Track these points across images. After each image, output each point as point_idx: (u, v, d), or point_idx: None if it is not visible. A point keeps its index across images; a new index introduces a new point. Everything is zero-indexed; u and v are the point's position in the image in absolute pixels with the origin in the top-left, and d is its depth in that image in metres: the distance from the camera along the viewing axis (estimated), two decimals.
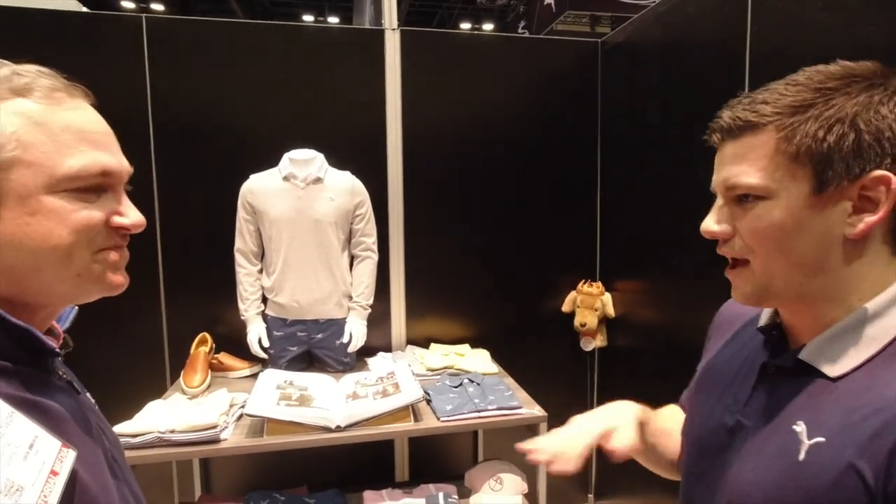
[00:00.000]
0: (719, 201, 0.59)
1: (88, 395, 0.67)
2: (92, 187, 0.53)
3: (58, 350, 0.57)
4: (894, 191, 0.51)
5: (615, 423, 0.72)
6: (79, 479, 0.51)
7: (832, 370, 0.54)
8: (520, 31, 7.43)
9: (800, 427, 0.54)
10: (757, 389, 0.62)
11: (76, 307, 0.67)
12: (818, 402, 0.54)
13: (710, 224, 0.59)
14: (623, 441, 0.69)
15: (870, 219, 0.52)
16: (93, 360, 2.02)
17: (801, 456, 0.53)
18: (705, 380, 0.73)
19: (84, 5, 2.21)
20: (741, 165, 0.55)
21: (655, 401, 0.87)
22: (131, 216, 0.57)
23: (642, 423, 0.78)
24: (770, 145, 0.53)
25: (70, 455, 0.50)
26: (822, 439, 0.52)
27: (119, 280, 0.58)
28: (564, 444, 0.71)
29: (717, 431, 0.65)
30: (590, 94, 2.33)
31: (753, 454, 0.58)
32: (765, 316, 0.65)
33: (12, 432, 0.46)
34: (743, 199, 0.56)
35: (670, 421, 0.84)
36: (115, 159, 0.56)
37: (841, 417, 0.51)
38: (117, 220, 0.56)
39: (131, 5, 9.52)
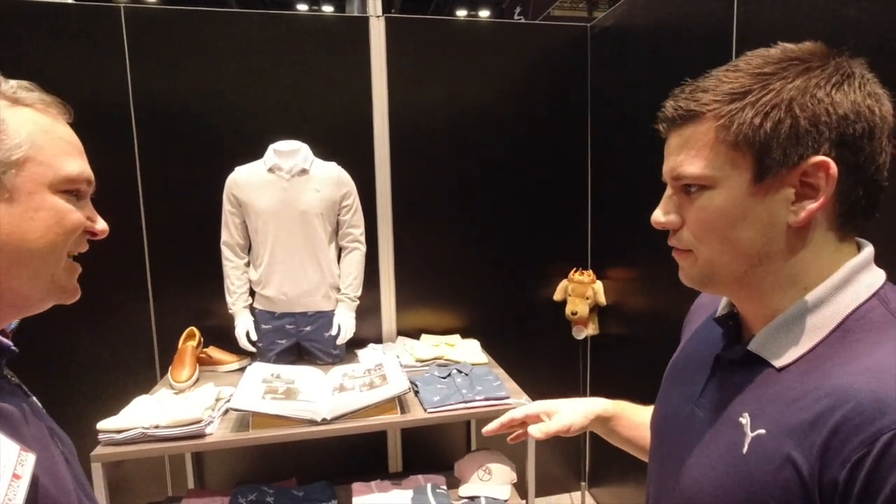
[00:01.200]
0: (668, 191, 0.59)
1: (35, 399, 0.67)
2: (77, 193, 0.58)
3: (13, 347, 0.56)
4: (833, 176, 0.50)
5: (557, 410, 0.83)
6: (38, 482, 0.50)
7: (778, 360, 0.54)
8: (516, 17, 7.34)
9: (744, 419, 0.54)
10: (710, 381, 0.62)
11: None
12: (763, 393, 0.54)
13: (659, 215, 0.59)
14: (544, 428, 0.79)
15: (811, 206, 0.51)
16: (83, 356, 2.01)
17: (745, 449, 0.52)
18: (670, 371, 0.73)
19: None
20: (684, 155, 0.55)
21: (647, 388, 0.87)
22: (101, 223, 0.62)
23: (610, 417, 0.83)
24: (710, 134, 0.53)
25: (30, 459, 0.50)
26: (763, 431, 0.51)
27: (77, 291, 0.61)
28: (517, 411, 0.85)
29: (674, 422, 0.65)
30: (579, 79, 2.30)
31: (704, 446, 0.58)
32: (722, 307, 0.65)
33: None
34: (689, 188, 0.56)
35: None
36: (91, 172, 0.62)
37: (782, 408, 0.51)
38: (89, 225, 0.60)
39: None
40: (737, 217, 0.53)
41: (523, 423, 0.85)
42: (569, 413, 0.82)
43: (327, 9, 10.27)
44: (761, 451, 0.51)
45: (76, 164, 0.58)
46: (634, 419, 0.85)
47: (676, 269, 0.60)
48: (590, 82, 2.30)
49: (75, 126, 0.62)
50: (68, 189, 0.57)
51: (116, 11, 1.92)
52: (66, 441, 0.64)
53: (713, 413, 0.59)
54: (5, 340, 0.55)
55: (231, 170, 1.94)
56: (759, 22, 1.38)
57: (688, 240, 0.57)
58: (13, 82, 0.56)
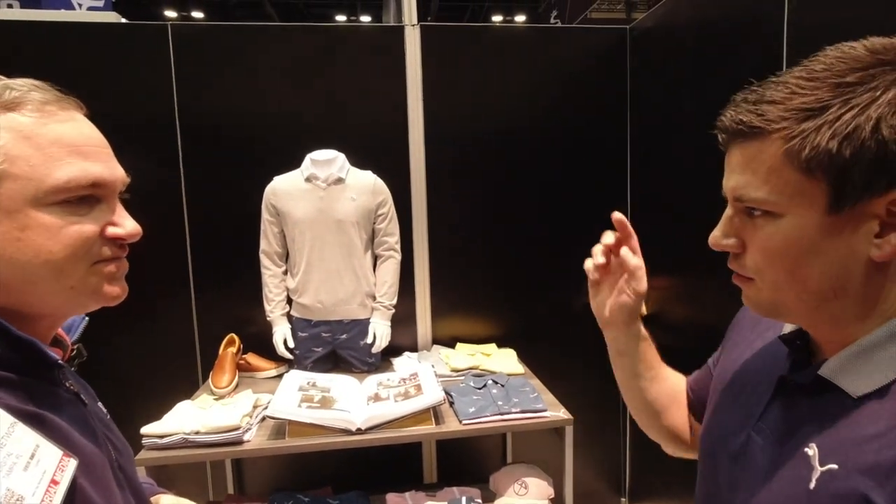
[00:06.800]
0: (729, 210, 0.53)
1: (100, 404, 0.68)
2: (84, 199, 0.53)
3: (61, 362, 0.56)
4: None
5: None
6: (80, 488, 0.51)
7: (854, 389, 0.48)
8: (552, 21, 7.27)
9: (812, 451, 0.49)
10: (772, 404, 0.57)
11: (86, 317, 0.67)
12: (835, 424, 0.49)
13: (718, 237, 0.54)
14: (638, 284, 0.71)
15: None
16: (129, 360, 2.08)
17: (812, 484, 0.48)
18: (722, 385, 0.68)
19: (125, 17, 2.27)
20: (748, 176, 0.49)
21: None
22: (126, 226, 0.56)
23: (642, 339, 0.77)
24: (777, 156, 0.46)
25: (71, 464, 0.50)
26: (835, 467, 0.46)
27: (116, 291, 0.57)
28: None
29: (730, 446, 0.61)
30: (618, 83, 2.24)
31: (764, 476, 0.54)
32: (789, 324, 0.60)
33: (14, 443, 0.47)
34: (752, 210, 0.50)
35: (673, 380, 0.82)
36: (106, 170, 0.55)
37: (860, 444, 0.46)
38: (112, 230, 0.55)
39: (173, 14, 9.87)
40: (807, 250, 0.47)
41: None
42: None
43: (365, 18, 10.45)
44: (832, 488, 0.46)
45: (70, 168, 0.51)
46: (654, 361, 0.79)
47: (722, 279, 0.56)
48: (629, 86, 2.23)
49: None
50: (67, 199, 0.51)
51: (164, 29, 1.99)
52: (121, 447, 0.65)
53: (774, 441, 0.54)
54: (53, 354, 0.54)
55: (270, 179, 1.97)
56: (813, 19, 1.30)
57: (751, 267, 0.52)
58: (19, 83, 0.51)
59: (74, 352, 0.63)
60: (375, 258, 2.05)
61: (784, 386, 0.56)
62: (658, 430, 0.82)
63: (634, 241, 0.74)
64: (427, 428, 1.59)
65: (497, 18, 10.37)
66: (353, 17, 10.56)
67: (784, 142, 0.46)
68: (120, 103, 1.97)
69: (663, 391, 0.80)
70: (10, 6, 3.43)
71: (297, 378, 1.76)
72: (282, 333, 2.00)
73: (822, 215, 0.46)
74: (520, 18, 10.23)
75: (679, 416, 0.81)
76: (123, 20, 2.17)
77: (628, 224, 0.73)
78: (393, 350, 2.13)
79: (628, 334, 0.76)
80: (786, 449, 0.52)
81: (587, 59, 2.22)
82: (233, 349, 2.00)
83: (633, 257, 0.71)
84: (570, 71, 2.21)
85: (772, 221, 0.48)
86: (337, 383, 1.77)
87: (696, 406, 0.79)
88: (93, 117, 0.57)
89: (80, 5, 3.60)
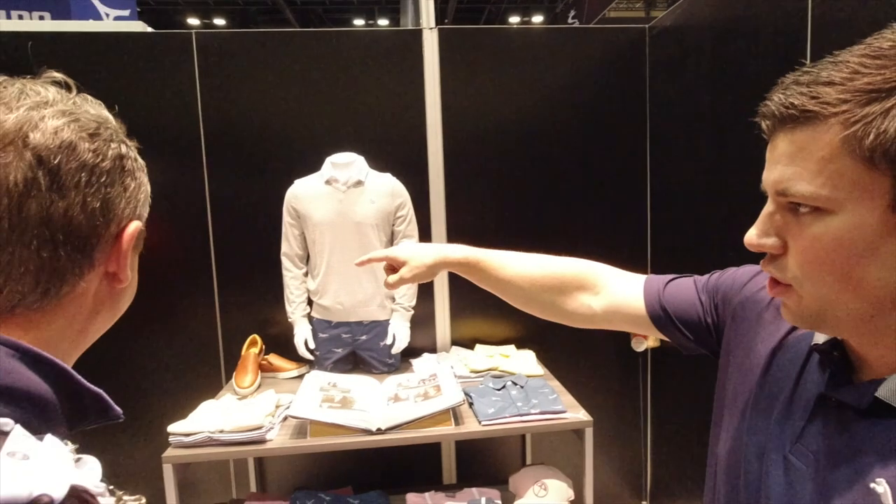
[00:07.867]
0: (769, 206, 0.47)
1: None
2: None
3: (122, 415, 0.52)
4: None
5: (408, 259, 0.92)
6: None
7: None
8: (570, 21, 7.23)
9: (881, 487, 0.42)
10: (813, 424, 0.50)
11: None
12: None
13: (753, 236, 0.47)
14: (401, 274, 0.91)
15: None
16: (156, 361, 2.14)
17: None
18: (739, 392, 0.62)
19: (150, 26, 2.33)
20: (796, 167, 0.43)
21: (709, 404, 0.82)
22: None
23: (470, 265, 0.94)
24: (834, 144, 0.41)
25: None
26: None
27: None
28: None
29: (758, 465, 0.54)
30: (637, 83, 2.22)
31: None
32: (820, 333, 0.53)
33: None
34: (797, 207, 0.44)
35: (549, 275, 0.91)
36: None
37: None
38: None
39: (196, 22, 10.08)
40: (862, 252, 0.42)
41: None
42: (413, 266, 0.91)
43: (382, 22, 10.53)
44: None
45: None
46: (498, 273, 0.92)
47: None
48: (648, 85, 2.22)
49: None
50: None
51: (189, 37, 2.05)
52: None
53: (823, 468, 0.48)
54: (116, 408, 0.46)
55: (292, 183, 2.01)
56: (839, 15, 1.28)
57: (791, 271, 0.46)
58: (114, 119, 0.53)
59: None
60: None
61: (826, 403, 0.50)
62: (538, 309, 0.94)
63: (376, 261, 0.97)
64: (446, 429, 1.60)
65: (514, 20, 10.35)
66: (371, 22, 10.65)
67: (843, 127, 0.40)
68: (147, 110, 2.03)
69: (534, 291, 0.91)
70: (41, 18, 3.55)
71: (318, 379, 1.78)
72: (303, 334, 2.03)
73: (884, 213, 0.40)
74: (537, 19, 10.20)
75: (575, 304, 0.91)
76: (150, 29, 2.23)
77: (369, 259, 0.97)
78: (412, 351, 2.15)
79: (464, 271, 0.94)
80: (841, 480, 0.46)
81: (605, 58, 2.21)
82: (255, 350, 2.04)
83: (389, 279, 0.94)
84: (589, 71, 2.20)
85: (821, 219, 0.43)
86: (357, 384, 1.79)
87: (659, 316, 0.79)
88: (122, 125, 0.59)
89: (107, 15, 3.71)
